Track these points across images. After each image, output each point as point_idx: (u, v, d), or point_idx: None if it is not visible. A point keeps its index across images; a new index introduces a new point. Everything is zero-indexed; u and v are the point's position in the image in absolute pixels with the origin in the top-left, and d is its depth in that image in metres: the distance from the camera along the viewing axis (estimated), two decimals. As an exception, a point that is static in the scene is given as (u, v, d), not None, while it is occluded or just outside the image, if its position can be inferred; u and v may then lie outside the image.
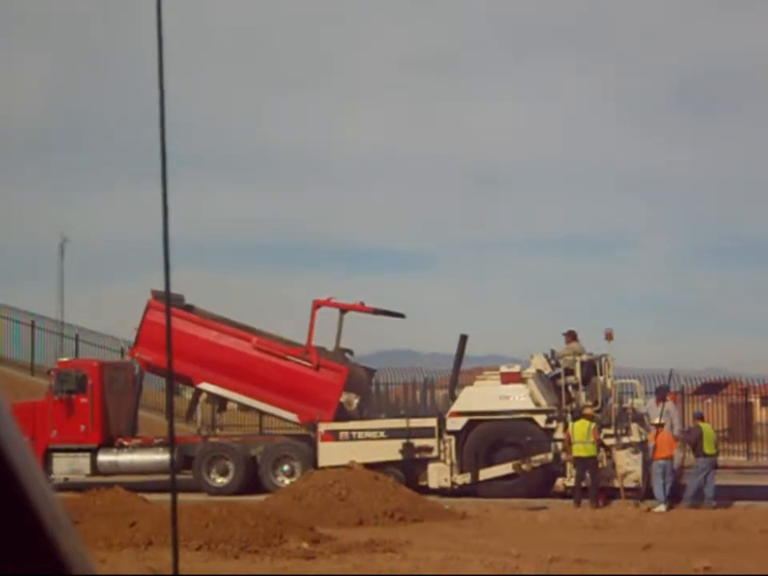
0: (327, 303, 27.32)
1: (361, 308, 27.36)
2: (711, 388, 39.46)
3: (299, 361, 26.99)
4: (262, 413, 35.28)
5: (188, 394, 44.40)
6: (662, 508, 22.66)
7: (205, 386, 27.68)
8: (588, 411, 24.46)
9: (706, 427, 23.91)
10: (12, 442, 1.22)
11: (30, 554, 1.22)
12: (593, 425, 23.90)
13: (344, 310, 27.46)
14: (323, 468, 24.72)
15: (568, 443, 24.24)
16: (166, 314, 2.42)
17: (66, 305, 47.03)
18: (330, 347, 28.18)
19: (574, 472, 24.16)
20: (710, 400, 37.63)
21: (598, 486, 23.69)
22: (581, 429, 23.90)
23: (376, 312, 27.56)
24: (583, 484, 23.85)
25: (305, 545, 17.56)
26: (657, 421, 23.84)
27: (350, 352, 28.73)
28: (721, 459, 25.61)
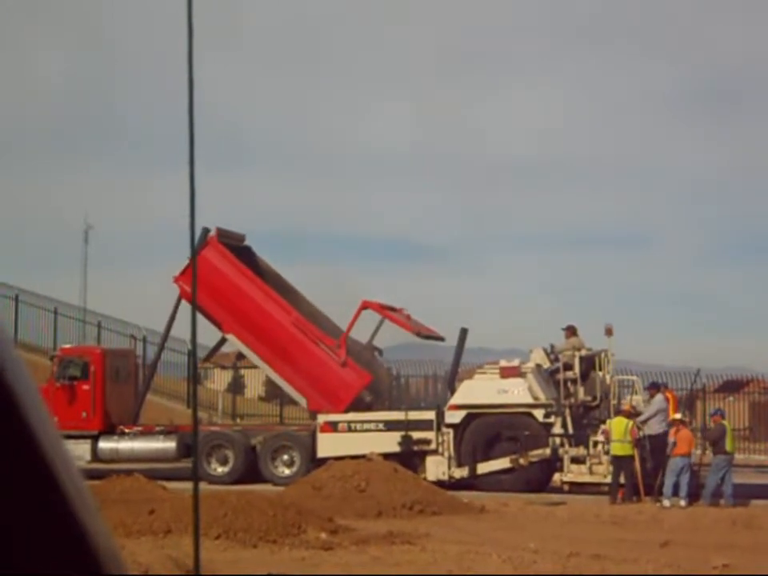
0: (374, 307, 26.85)
1: (405, 325, 26.78)
2: (733, 386, 39.34)
3: (328, 352, 26.91)
4: (282, 402, 35.31)
5: (209, 383, 44.52)
6: (667, 503, 22.61)
7: (231, 337, 27.47)
8: (626, 408, 24.25)
9: (727, 425, 23.90)
10: (43, 426, 1.22)
11: (60, 539, 1.22)
12: (631, 422, 23.52)
13: (387, 318, 27.06)
14: (321, 459, 24.76)
15: (606, 440, 24.01)
16: (192, 290, 2.39)
17: (89, 292, 47.29)
18: (358, 338, 27.94)
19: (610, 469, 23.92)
20: (731, 398, 37.52)
21: (633, 483, 23.43)
22: (618, 427, 23.52)
23: (419, 335, 27.21)
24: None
25: (323, 535, 17.58)
26: (677, 416, 23.88)
27: (380, 352, 28.60)
28: (742, 458, 25.55)
